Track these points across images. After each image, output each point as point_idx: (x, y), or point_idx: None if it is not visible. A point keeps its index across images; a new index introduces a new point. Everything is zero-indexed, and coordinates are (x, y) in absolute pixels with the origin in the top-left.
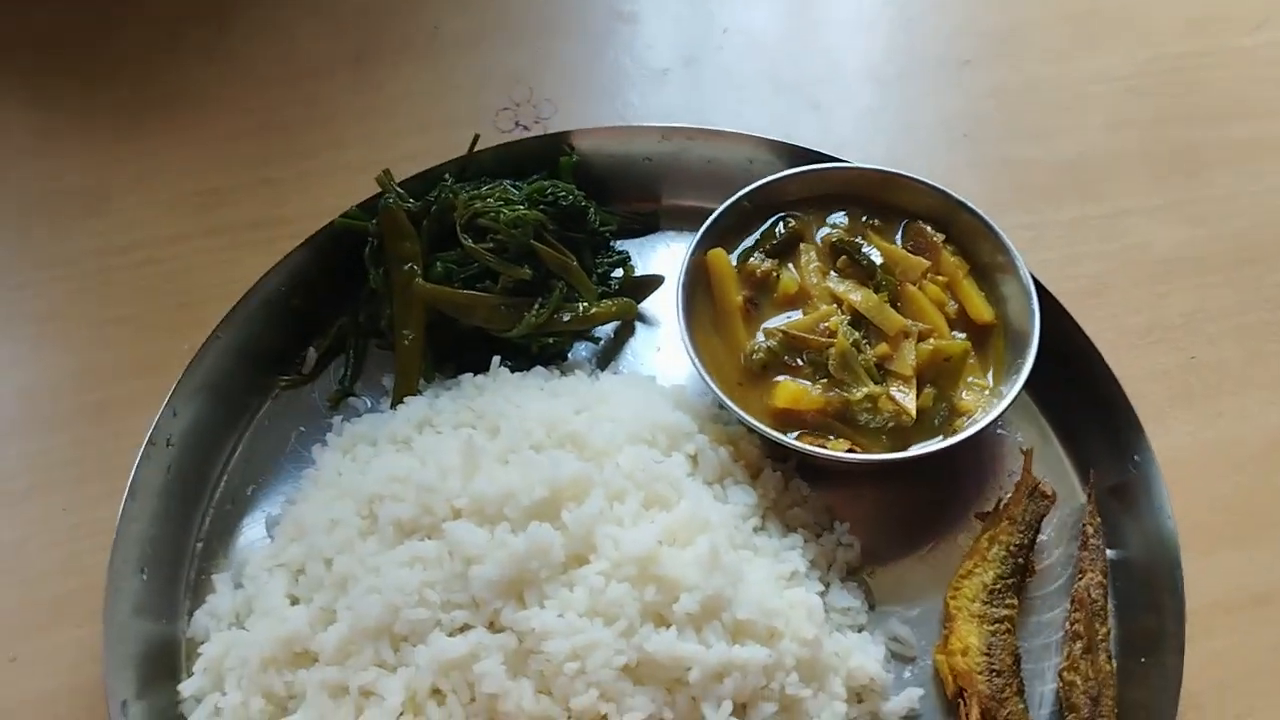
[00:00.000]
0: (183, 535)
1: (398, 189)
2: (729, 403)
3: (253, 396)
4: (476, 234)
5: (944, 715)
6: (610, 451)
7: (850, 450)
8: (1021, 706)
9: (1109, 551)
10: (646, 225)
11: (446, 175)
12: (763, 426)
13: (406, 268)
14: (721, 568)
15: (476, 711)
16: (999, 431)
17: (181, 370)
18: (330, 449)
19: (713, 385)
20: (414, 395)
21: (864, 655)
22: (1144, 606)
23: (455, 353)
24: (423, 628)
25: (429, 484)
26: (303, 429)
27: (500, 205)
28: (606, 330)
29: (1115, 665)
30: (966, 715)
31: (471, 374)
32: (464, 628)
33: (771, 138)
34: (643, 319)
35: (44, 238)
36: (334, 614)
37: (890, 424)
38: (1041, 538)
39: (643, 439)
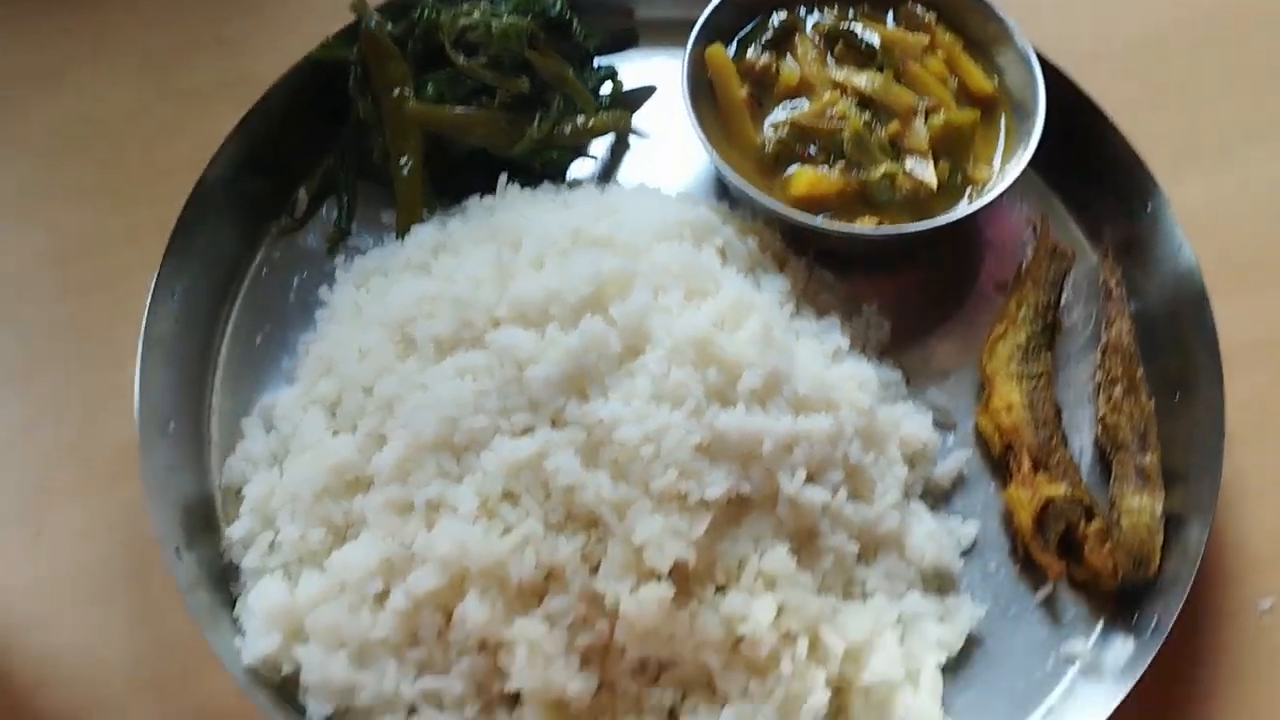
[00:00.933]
0: (199, 388)
1: (375, 13)
2: (751, 190)
3: (246, 247)
4: (467, 51)
5: (991, 475)
6: (642, 250)
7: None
8: (1068, 454)
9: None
10: (623, 41)
11: None
12: (789, 210)
13: (396, 93)
14: (775, 344)
15: (553, 507)
16: (1006, 205)
17: (168, 233)
18: (341, 285)
19: (731, 175)
20: (419, 225)
21: (913, 422)
22: (1172, 348)
23: (451, 181)
24: (484, 435)
25: (463, 298)
26: (305, 274)
27: (489, 17)
28: (600, 151)
29: (1153, 404)
30: (1017, 467)
31: (479, 196)
32: (526, 430)
33: None
34: (635, 133)
35: (3, 118)
36: (383, 438)
37: (909, 200)
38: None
39: (671, 236)
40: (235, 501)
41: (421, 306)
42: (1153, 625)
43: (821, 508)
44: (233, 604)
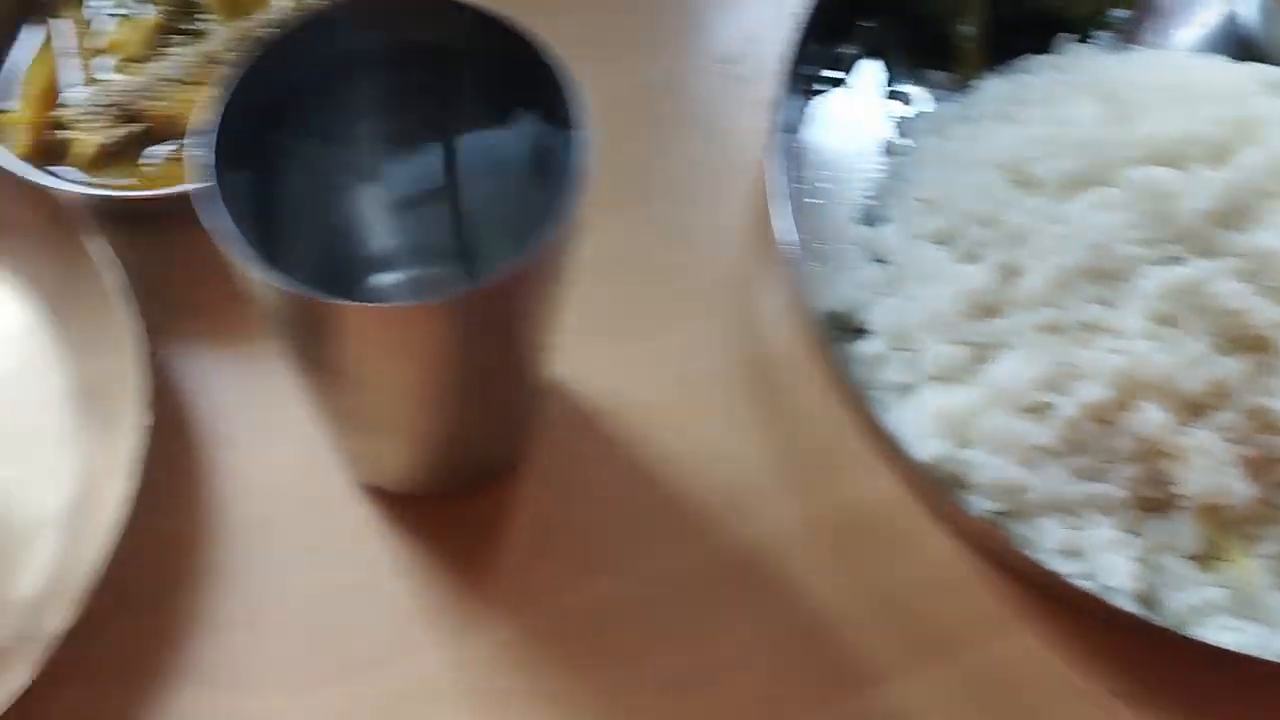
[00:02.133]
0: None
1: None
2: None
3: (800, 100)
4: None
5: None
6: (1247, 98)
7: None
8: None
9: None
10: None
11: None
12: None
13: None
14: None
15: (1217, 330)
16: None
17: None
18: (921, 134)
19: None
20: (982, 80)
21: None
22: None
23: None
24: (1132, 263)
25: (1087, 138)
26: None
27: None
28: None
29: None
30: None
31: (1033, 56)
32: (1175, 260)
33: None
34: None
35: None
36: (1016, 268)
37: None
38: None
39: (1255, 92)
40: (839, 322)
41: (1036, 148)
42: None
43: None
44: None
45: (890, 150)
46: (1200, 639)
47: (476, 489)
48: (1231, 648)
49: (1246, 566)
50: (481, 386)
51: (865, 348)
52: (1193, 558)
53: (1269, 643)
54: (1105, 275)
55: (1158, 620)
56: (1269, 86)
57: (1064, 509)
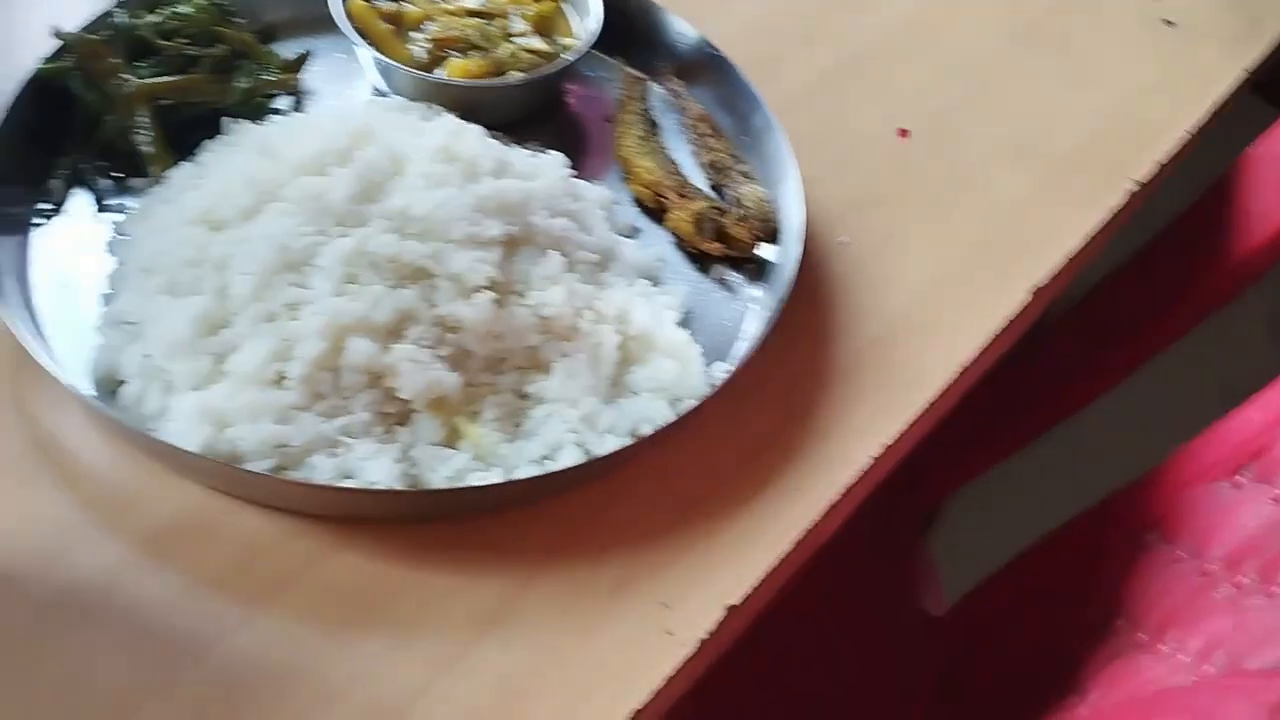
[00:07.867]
0: None
1: (78, 33)
2: (422, 74)
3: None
4: (165, 38)
5: (652, 220)
6: (364, 117)
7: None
8: (697, 188)
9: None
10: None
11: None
12: (455, 79)
13: (118, 80)
14: (492, 146)
15: (388, 273)
16: (590, 75)
17: None
18: (132, 226)
19: (404, 67)
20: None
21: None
22: (734, 116)
23: (182, 145)
24: (310, 250)
25: (251, 177)
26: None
27: (175, 6)
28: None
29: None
30: (669, 202)
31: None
32: (343, 235)
33: None
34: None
35: None
36: (225, 287)
37: (532, 66)
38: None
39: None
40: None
41: (217, 198)
42: (787, 264)
43: (562, 235)
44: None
45: (112, 249)
46: (456, 487)
47: None
48: (480, 484)
49: (477, 434)
50: None
51: (125, 392)
52: (439, 443)
53: (509, 475)
54: (294, 265)
55: (425, 489)
56: (384, 108)
57: (327, 445)
